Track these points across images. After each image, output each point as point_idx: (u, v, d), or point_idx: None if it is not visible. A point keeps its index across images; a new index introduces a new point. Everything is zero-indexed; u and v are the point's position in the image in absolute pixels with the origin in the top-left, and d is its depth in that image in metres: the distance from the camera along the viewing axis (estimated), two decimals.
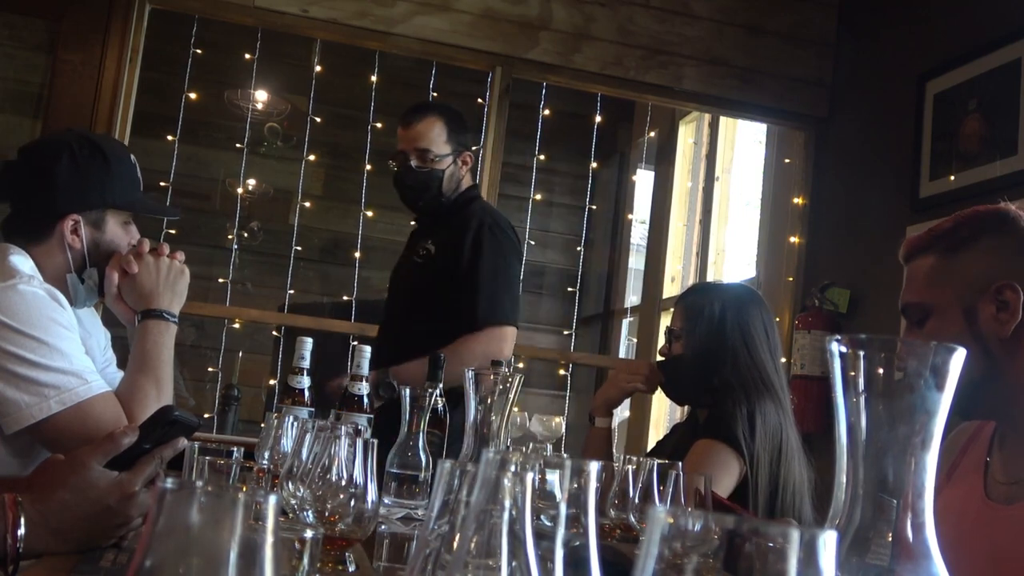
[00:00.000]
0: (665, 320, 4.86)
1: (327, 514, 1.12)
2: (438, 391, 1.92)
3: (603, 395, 2.48)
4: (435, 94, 4.17)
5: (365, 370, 2.04)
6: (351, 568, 1.16)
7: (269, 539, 0.45)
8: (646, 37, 3.79)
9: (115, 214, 1.87)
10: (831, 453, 0.63)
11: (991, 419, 1.43)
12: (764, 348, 2.19)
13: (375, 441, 1.17)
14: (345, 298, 4.63)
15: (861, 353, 0.60)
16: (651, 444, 4.65)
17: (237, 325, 4.20)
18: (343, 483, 1.13)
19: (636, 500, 1.31)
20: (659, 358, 2.40)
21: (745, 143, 4.65)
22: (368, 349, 2.08)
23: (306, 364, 2.06)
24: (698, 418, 2.29)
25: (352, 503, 1.12)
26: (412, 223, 3.00)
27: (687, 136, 4.97)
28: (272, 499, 0.46)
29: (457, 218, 2.70)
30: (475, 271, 2.58)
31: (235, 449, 1.28)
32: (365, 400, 2.02)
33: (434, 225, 2.78)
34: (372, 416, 2.03)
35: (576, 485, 0.57)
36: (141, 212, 1.95)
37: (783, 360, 2.32)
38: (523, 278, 4.94)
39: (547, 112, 4.27)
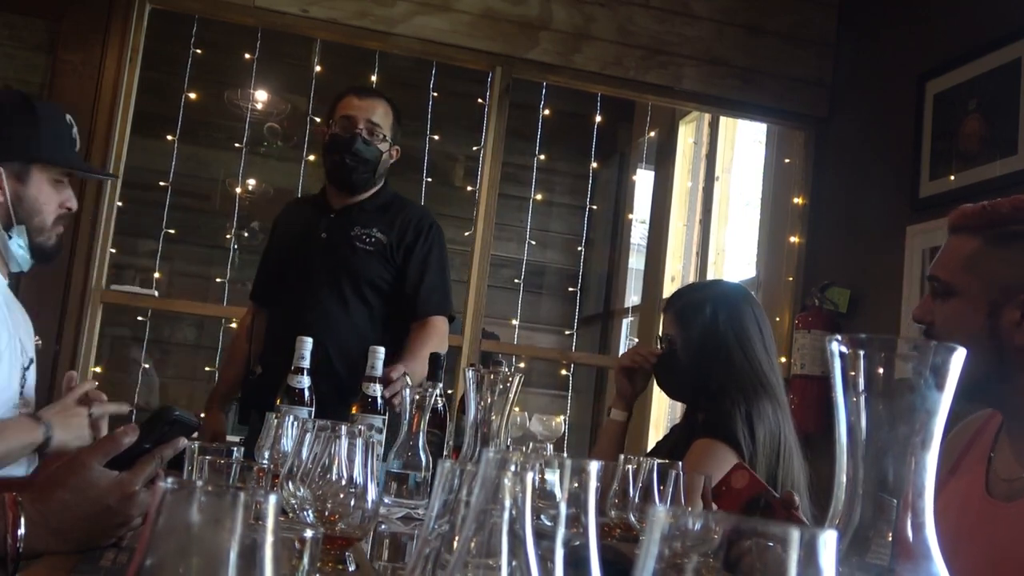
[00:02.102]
0: None
1: (327, 514, 1.12)
2: (438, 391, 1.92)
3: (617, 390, 2.48)
4: (435, 94, 4.17)
5: (379, 371, 2.04)
6: (351, 568, 1.16)
7: (269, 539, 0.45)
8: (646, 37, 3.79)
9: (43, 170, 1.81)
10: (831, 453, 0.63)
11: (997, 409, 1.43)
12: (759, 347, 2.18)
13: (381, 438, 1.18)
14: None
15: (861, 353, 0.60)
16: (651, 444, 4.66)
17: (235, 325, 4.20)
18: (343, 483, 1.13)
19: (636, 500, 1.31)
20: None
21: (745, 143, 4.65)
22: (382, 351, 2.08)
23: (306, 364, 2.06)
24: (695, 419, 2.29)
25: (352, 503, 1.12)
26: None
27: (687, 136, 4.97)
28: (272, 499, 0.46)
29: (402, 212, 2.79)
30: (430, 265, 2.75)
31: (235, 449, 1.28)
32: (379, 402, 2.01)
33: (370, 213, 2.78)
34: (387, 417, 2.02)
35: (576, 485, 0.57)
36: (69, 168, 1.88)
37: (782, 359, 2.30)
38: (523, 278, 4.98)
39: (547, 112, 4.27)
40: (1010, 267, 1.36)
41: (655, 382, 2.41)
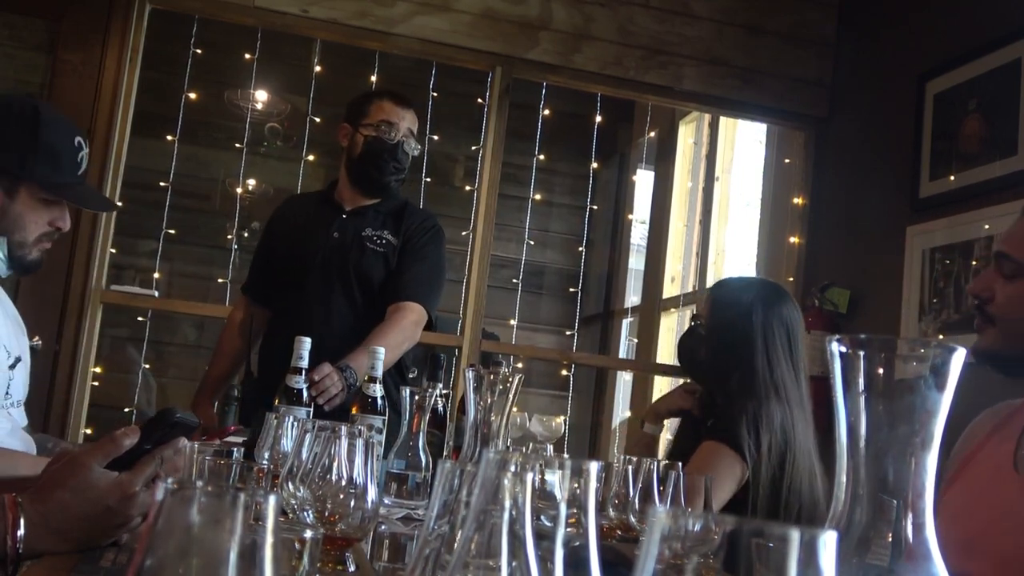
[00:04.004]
0: (665, 320, 4.86)
1: (327, 514, 1.12)
2: (438, 391, 1.92)
3: (658, 405, 2.49)
4: (435, 94, 4.17)
5: (379, 372, 2.03)
6: (351, 568, 1.16)
7: (269, 539, 0.45)
8: (646, 37, 3.79)
9: (33, 188, 1.77)
10: (831, 453, 0.63)
11: None
12: (783, 355, 2.13)
13: (381, 438, 1.18)
14: None
15: (861, 353, 0.60)
16: None
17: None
18: (343, 483, 1.13)
19: (636, 500, 1.31)
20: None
21: (745, 143, 4.65)
22: (382, 351, 2.07)
23: (304, 364, 2.06)
24: (697, 420, 2.28)
25: (352, 503, 1.12)
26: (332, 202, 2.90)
27: (687, 136, 4.97)
28: (272, 499, 0.46)
29: (410, 216, 2.80)
30: (422, 258, 2.74)
31: (235, 449, 1.28)
32: (379, 402, 2.01)
33: (382, 215, 2.79)
34: (386, 417, 2.02)
35: (576, 485, 0.57)
36: (64, 197, 1.83)
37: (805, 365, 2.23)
38: (523, 278, 4.99)
39: (547, 112, 4.26)
40: None
41: (677, 355, 2.40)
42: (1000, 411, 1.51)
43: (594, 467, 0.57)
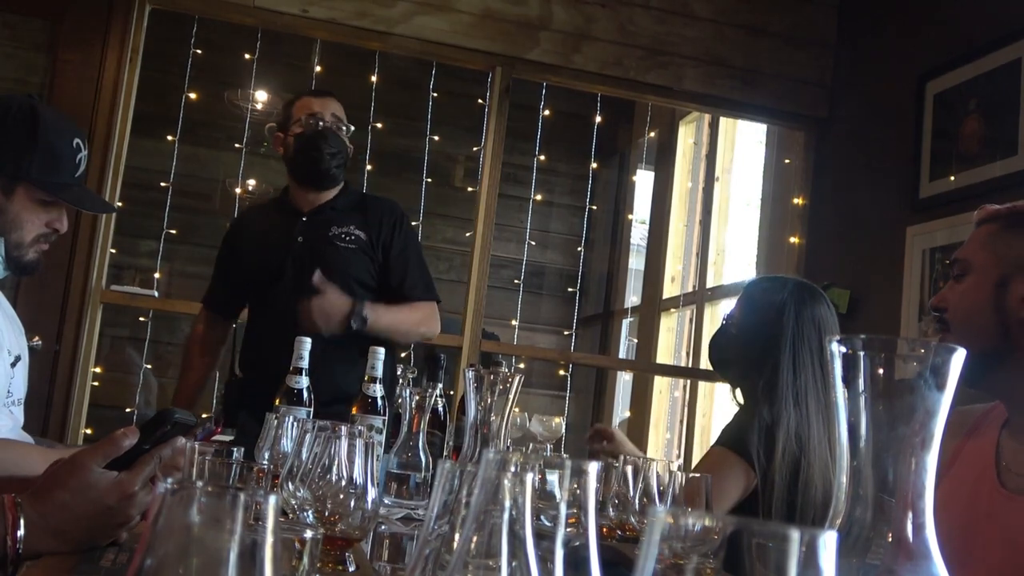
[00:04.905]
0: (666, 320, 4.86)
1: (327, 514, 1.12)
2: (438, 391, 1.92)
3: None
4: (435, 94, 4.17)
5: (379, 372, 2.03)
6: (351, 568, 1.16)
7: (269, 539, 0.45)
8: (646, 37, 3.79)
9: (30, 188, 1.76)
10: None
11: (997, 396, 1.44)
12: (810, 359, 2.07)
13: (381, 438, 1.18)
14: None
15: (861, 353, 0.60)
16: (650, 444, 4.67)
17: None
18: (343, 483, 1.13)
19: (636, 500, 1.31)
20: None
21: (745, 143, 4.65)
22: (382, 351, 2.07)
23: (305, 364, 2.06)
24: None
25: (352, 503, 1.12)
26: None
27: (687, 136, 4.97)
28: (272, 499, 0.46)
29: (373, 208, 2.84)
30: (409, 258, 2.81)
31: (235, 449, 1.28)
32: (380, 402, 2.00)
33: (343, 211, 2.81)
34: (386, 418, 2.01)
35: (576, 485, 0.57)
36: (61, 198, 1.82)
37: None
38: (523, 278, 4.98)
39: (547, 112, 4.27)
40: (1022, 245, 1.40)
41: (708, 354, 2.36)
42: (974, 412, 1.51)
43: (594, 467, 0.57)
